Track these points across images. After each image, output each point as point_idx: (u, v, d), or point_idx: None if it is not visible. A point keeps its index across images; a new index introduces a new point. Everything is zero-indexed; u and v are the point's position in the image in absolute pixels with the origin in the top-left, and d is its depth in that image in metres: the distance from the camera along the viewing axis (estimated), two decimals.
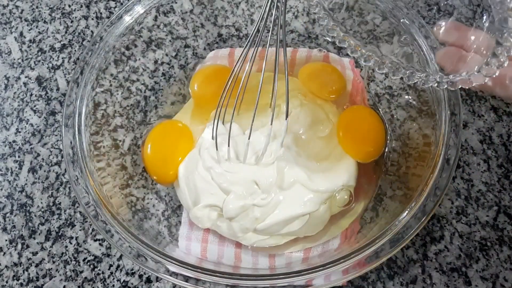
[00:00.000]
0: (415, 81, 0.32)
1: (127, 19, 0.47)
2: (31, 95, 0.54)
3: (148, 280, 0.46)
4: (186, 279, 0.37)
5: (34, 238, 0.48)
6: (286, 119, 0.40)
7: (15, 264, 0.47)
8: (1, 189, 0.50)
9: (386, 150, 0.48)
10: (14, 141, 0.52)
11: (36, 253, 0.48)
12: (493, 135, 0.50)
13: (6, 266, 0.47)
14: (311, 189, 0.44)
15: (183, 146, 0.47)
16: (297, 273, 0.36)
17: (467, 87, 0.32)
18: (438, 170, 0.39)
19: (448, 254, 0.45)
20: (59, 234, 0.48)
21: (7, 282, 0.47)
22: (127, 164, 0.48)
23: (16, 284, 0.47)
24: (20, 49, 0.57)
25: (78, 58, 0.56)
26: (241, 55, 0.40)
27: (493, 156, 0.49)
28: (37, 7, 0.59)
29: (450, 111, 0.41)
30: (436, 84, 0.32)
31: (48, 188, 0.50)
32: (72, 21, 0.58)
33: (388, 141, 0.48)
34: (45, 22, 0.58)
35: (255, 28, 0.39)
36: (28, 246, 0.48)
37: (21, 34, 0.58)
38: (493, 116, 0.50)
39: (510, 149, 0.49)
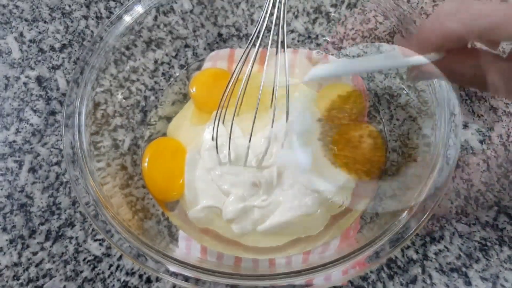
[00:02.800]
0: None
1: (127, 19, 0.47)
2: (31, 95, 0.54)
3: (148, 280, 0.46)
4: (186, 279, 0.37)
5: (34, 238, 0.48)
6: (286, 121, 0.40)
7: (15, 264, 0.47)
8: (1, 189, 0.50)
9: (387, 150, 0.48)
10: (14, 141, 0.52)
11: (36, 253, 0.48)
12: (493, 135, 0.50)
13: (6, 266, 0.47)
14: (311, 189, 0.44)
15: (181, 164, 0.47)
16: (297, 273, 0.36)
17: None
18: (438, 170, 0.39)
19: (448, 254, 0.45)
20: (59, 234, 0.48)
21: (7, 282, 0.47)
22: (127, 164, 0.48)
23: (16, 284, 0.47)
24: (20, 49, 0.57)
25: (78, 58, 0.56)
26: (242, 56, 0.40)
27: (492, 156, 0.49)
28: (37, 7, 0.59)
29: (450, 111, 0.41)
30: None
31: (48, 188, 0.50)
32: (72, 21, 0.58)
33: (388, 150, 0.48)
34: (45, 22, 0.58)
35: (256, 30, 0.39)
36: (28, 246, 0.48)
37: (21, 34, 0.58)
38: (492, 116, 0.50)
39: (510, 149, 0.49)
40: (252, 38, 0.39)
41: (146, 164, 0.47)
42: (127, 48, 0.49)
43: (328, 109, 0.48)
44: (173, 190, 0.47)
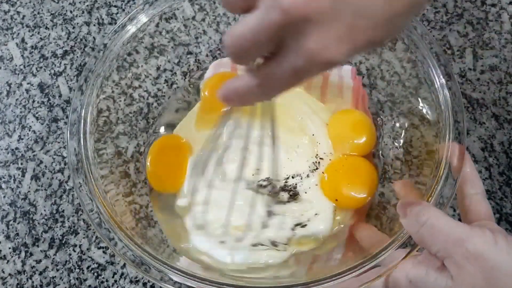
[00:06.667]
0: None
1: (131, 28, 0.47)
2: (33, 101, 0.54)
3: None
4: None
5: (38, 246, 0.48)
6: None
7: (19, 272, 0.47)
8: (4, 197, 0.50)
9: (389, 158, 0.48)
10: (16, 148, 0.52)
11: (40, 261, 0.48)
12: (495, 142, 0.50)
13: (9, 274, 0.47)
14: None
15: (185, 161, 0.48)
16: (304, 285, 0.36)
17: None
18: (443, 179, 0.39)
19: None
20: (63, 241, 0.48)
21: None
22: (130, 172, 0.48)
23: None
24: (22, 55, 0.57)
25: (80, 65, 0.56)
26: None
27: (494, 163, 0.49)
28: (38, 13, 0.59)
29: (453, 118, 0.41)
30: None
31: (51, 196, 0.50)
32: (74, 27, 0.58)
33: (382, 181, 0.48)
34: (46, 28, 0.58)
35: None
36: (31, 254, 0.48)
37: (23, 40, 0.57)
38: (494, 123, 0.51)
39: (511, 157, 0.49)
40: None
41: (151, 157, 0.48)
42: (129, 54, 0.49)
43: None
44: (172, 180, 0.47)
